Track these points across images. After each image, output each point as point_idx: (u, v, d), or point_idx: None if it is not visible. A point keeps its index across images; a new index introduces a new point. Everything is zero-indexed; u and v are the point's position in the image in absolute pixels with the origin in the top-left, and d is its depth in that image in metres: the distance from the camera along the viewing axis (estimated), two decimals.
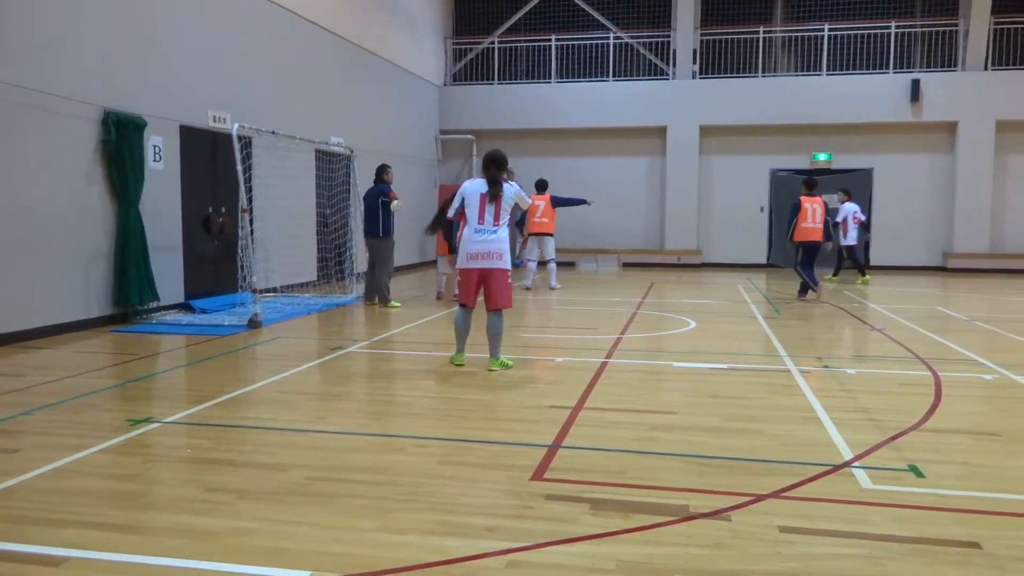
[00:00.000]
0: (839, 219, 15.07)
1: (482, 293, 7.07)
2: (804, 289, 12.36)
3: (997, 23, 18.28)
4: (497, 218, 6.91)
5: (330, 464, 4.40)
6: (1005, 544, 3.34)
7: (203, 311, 10.34)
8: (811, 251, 12.15)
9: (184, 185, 10.64)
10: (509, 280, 7.03)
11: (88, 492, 3.96)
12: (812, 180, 12.53)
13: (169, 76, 10.31)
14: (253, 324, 9.32)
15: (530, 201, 7.44)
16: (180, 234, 10.61)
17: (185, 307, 10.51)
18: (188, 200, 10.74)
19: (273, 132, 10.93)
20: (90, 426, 5.14)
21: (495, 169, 6.93)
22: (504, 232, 6.98)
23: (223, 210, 11.41)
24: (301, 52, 13.64)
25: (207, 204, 11.24)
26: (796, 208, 12.07)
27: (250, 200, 10.61)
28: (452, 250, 8.03)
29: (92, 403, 5.79)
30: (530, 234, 13.64)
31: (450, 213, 7.12)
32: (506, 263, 6.96)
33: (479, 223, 6.90)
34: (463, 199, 7.00)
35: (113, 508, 3.75)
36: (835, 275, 16.00)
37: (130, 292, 9.39)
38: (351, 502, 3.82)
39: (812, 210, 12.01)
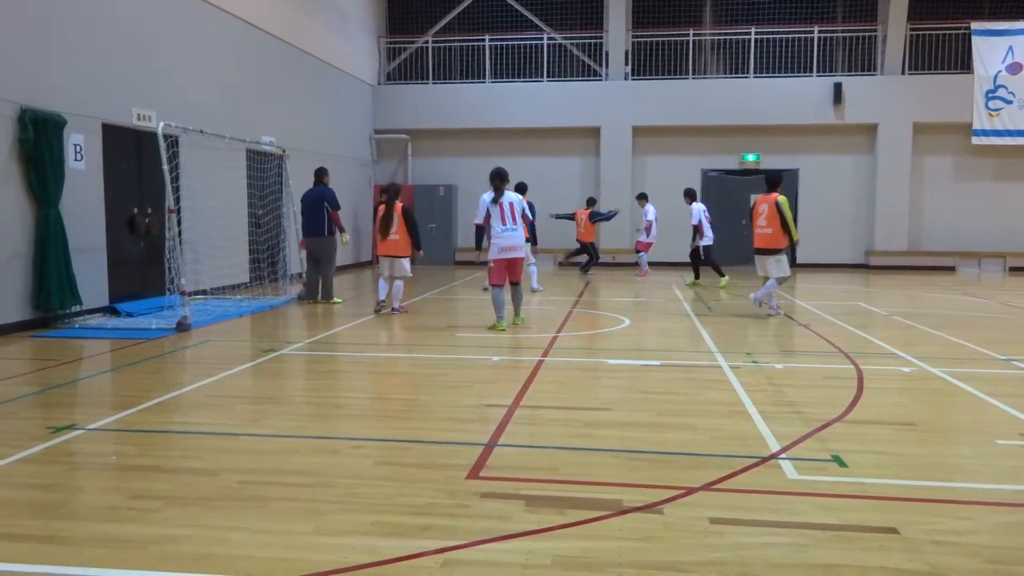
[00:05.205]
0: (694, 221, 14.54)
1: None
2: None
3: (913, 29, 19.03)
4: (514, 219, 8.95)
5: (262, 468, 4.33)
6: (921, 529, 3.48)
7: (129, 314, 10.04)
8: None
9: (107, 185, 10.30)
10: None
11: (6, 503, 3.81)
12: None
13: (90, 72, 9.96)
14: (182, 327, 9.09)
15: (530, 217, 9.97)
16: (104, 235, 10.27)
17: (110, 310, 10.18)
18: (112, 200, 10.40)
19: (201, 131, 10.68)
20: (7, 435, 4.94)
21: (498, 181, 8.98)
22: (520, 229, 9.02)
23: (149, 210, 11.09)
24: (230, 49, 13.35)
25: (132, 204, 10.90)
26: None
27: (177, 200, 10.33)
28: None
29: (9, 411, 5.56)
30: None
31: (478, 220, 9.10)
32: (524, 252, 9.29)
33: (502, 224, 8.93)
34: (486, 209, 8.98)
35: (33, 519, 3.61)
36: (696, 279, 15.00)
37: (51, 296, 9.05)
38: (284, 505, 3.76)
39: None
